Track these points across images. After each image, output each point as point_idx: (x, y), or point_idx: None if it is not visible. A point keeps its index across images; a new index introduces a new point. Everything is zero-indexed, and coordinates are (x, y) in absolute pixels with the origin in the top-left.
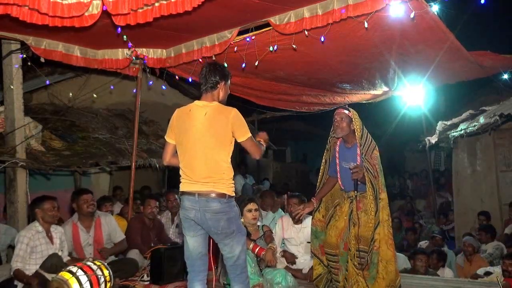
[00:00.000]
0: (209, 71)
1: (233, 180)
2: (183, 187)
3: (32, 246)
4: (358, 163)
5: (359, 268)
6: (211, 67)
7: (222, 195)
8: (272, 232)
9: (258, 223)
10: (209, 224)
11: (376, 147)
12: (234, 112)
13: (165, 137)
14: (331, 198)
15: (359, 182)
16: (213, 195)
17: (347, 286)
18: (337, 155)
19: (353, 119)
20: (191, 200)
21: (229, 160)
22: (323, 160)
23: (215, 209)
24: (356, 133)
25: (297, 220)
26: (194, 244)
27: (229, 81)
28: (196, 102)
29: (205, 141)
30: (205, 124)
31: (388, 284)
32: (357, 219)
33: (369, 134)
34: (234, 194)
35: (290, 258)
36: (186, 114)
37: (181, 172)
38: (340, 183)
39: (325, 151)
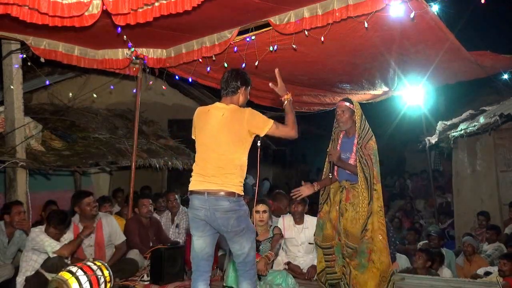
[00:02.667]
0: (230, 76)
1: (242, 180)
2: (192, 185)
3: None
4: (354, 153)
5: (346, 257)
6: (233, 73)
7: (231, 194)
8: (282, 237)
9: (270, 223)
10: (219, 222)
11: (373, 137)
12: (249, 110)
13: (192, 136)
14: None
15: (342, 169)
16: (222, 193)
17: (345, 274)
18: (338, 147)
19: (355, 111)
20: (201, 199)
21: (244, 159)
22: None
23: (225, 207)
24: (356, 124)
25: (296, 203)
26: (201, 244)
27: (249, 87)
28: (216, 103)
29: (220, 138)
30: (222, 122)
31: (381, 275)
32: (345, 210)
33: (368, 126)
34: (243, 194)
35: (296, 269)
36: (205, 113)
37: (193, 166)
38: (336, 173)
39: (331, 141)
